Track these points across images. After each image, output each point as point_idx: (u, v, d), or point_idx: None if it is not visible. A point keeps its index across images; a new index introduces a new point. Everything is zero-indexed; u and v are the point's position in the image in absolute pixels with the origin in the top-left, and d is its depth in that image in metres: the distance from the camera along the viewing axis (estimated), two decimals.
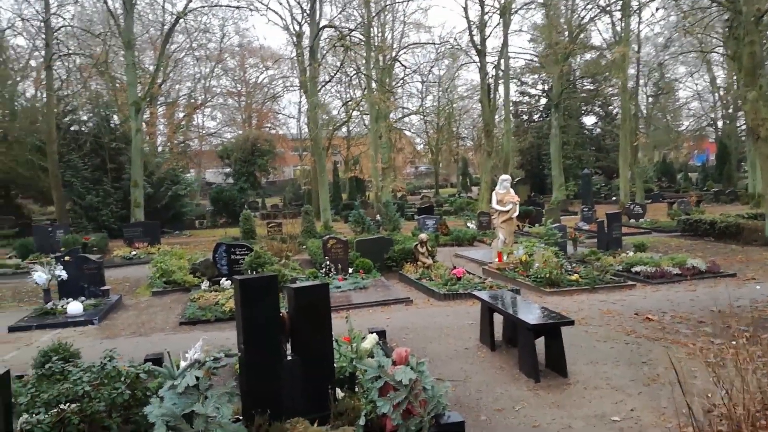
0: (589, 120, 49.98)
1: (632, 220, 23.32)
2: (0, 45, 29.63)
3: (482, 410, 5.37)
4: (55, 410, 4.17)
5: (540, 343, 6.41)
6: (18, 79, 33.72)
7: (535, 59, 42.11)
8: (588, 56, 41.82)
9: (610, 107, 47.92)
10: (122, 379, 4.28)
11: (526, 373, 6.21)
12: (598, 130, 49.20)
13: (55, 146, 26.80)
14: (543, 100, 48.59)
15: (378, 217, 23.78)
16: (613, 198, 37.58)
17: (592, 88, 46.50)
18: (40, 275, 10.27)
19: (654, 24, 46.12)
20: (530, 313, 6.72)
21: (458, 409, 5.20)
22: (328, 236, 13.93)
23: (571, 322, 6.44)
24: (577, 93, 45.22)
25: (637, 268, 11.98)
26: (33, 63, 33.53)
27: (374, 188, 32.45)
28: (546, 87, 46.47)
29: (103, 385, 4.17)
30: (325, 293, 4.99)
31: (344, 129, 44.51)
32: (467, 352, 7.14)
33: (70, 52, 26.79)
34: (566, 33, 34.81)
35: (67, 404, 4.14)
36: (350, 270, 12.87)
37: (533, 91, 49.87)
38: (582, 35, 35.54)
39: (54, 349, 5.12)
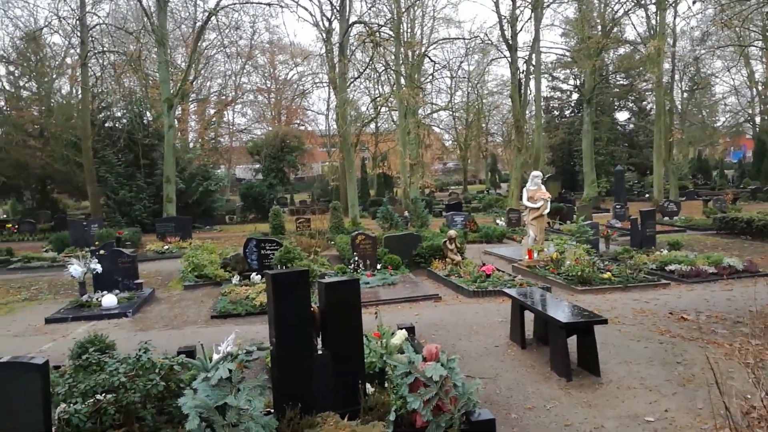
0: (622, 116, 49.13)
1: (666, 218, 22.85)
2: (37, 43, 30.36)
3: (513, 408, 5.32)
4: (92, 400, 4.26)
5: (572, 341, 6.32)
6: (54, 76, 34.56)
7: (567, 54, 41.51)
8: (621, 51, 41.06)
9: (644, 103, 47.00)
10: (157, 370, 4.35)
11: (558, 372, 6.13)
12: (632, 126, 48.31)
13: (90, 142, 27.40)
14: (575, 96, 47.90)
15: (406, 213, 23.75)
16: (646, 195, 36.88)
17: (625, 83, 45.64)
18: (75, 268, 10.50)
19: (690, 17, 45.00)
20: (562, 311, 6.63)
21: (488, 406, 5.16)
22: (356, 232, 13.95)
23: (605, 321, 6.34)
24: (609, 88, 44.44)
25: (672, 267, 11.73)
26: (69, 60, 34.33)
27: (402, 184, 32.42)
28: (578, 82, 45.80)
29: (139, 376, 4.25)
30: (356, 289, 5.00)
31: (372, 125, 44.54)
32: (497, 350, 7.08)
33: (105, 49, 27.31)
34: (599, 27, 34.22)
35: (104, 394, 4.23)
36: (378, 266, 12.88)
37: (565, 87, 49.22)
38: (615, 29, 34.90)
39: (90, 340, 5.23)
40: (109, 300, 9.94)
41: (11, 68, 32.81)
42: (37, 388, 3.80)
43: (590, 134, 35.16)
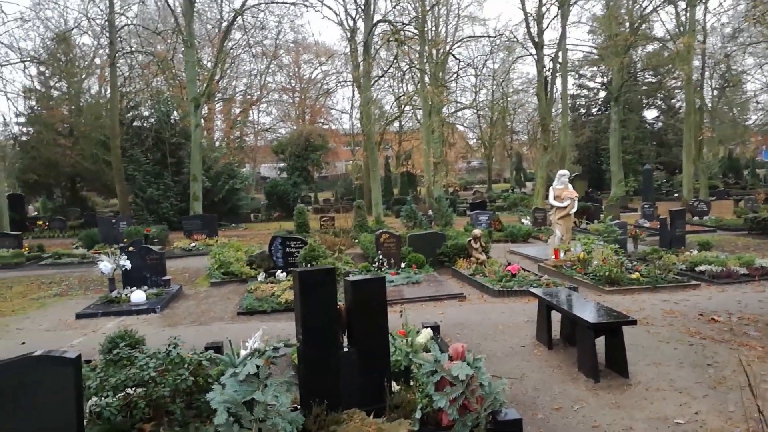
0: (650, 114, 48.33)
1: (696, 218, 22.43)
2: (67, 43, 30.96)
3: (539, 409, 5.27)
4: (122, 394, 4.33)
5: (599, 342, 6.24)
6: (83, 76, 35.22)
7: (594, 51, 40.98)
8: (650, 48, 40.36)
9: (673, 100, 46.16)
10: (186, 365, 4.40)
11: (585, 373, 6.06)
12: (660, 124, 47.49)
13: (119, 141, 27.88)
14: (602, 94, 47.27)
15: (430, 212, 23.69)
16: (675, 195, 36.24)
17: (654, 80, 44.87)
18: (105, 265, 10.69)
19: (721, 13, 43.94)
20: (590, 311, 6.54)
21: (515, 406, 5.12)
22: (380, 231, 13.96)
23: (634, 322, 6.24)
24: (638, 86, 43.74)
25: (702, 268, 11.51)
26: (98, 61, 34.96)
27: (426, 183, 32.34)
28: (605, 80, 45.18)
29: (168, 371, 4.30)
30: (382, 287, 5.00)
31: (396, 124, 44.53)
32: (523, 350, 7.02)
33: (133, 50, 27.75)
34: (627, 24, 33.69)
35: (134, 388, 4.30)
36: (402, 265, 12.87)
37: (592, 84, 48.61)
38: (644, 26, 34.31)
39: (120, 335, 5.32)
40: (138, 296, 10.10)
41: (42, 68, 33.53)
42: (70, 381, 3.87)
43: (618, 132, 34.65)
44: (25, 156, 33.54)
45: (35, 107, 34.47)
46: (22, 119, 33.96)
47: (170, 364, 4.33)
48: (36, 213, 36.27)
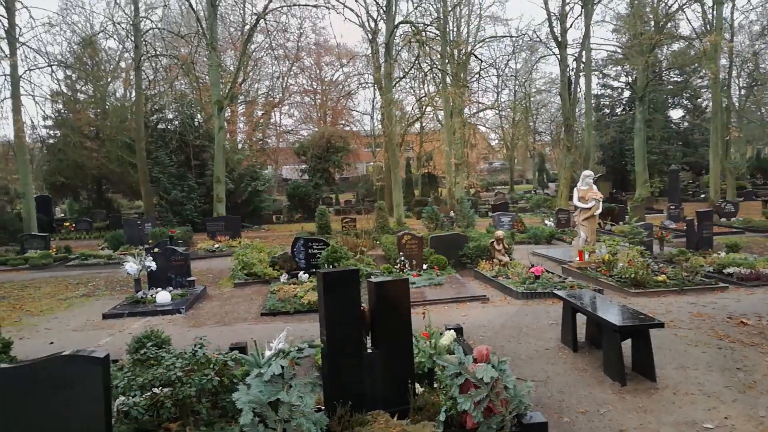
0: (676, 113, 47.54)
1: (723, 219, 22.01)
2: (93, 47, 31.46)
3: (565, 412, 5.21)
4: (149, 393, 4.38)
5: (626, 345, 6.15)
6: (109, 79, 35.77)
7: (619, 50, 40.45)
8: (675, 46, 39.72)
9: (699, 100, 45.37)
10: (211, 366, 4.43)
11: (612, 376, 5.97)
12: (686, 124, 46.70)
13: (144, 143, 28.26)
14: (626, 93, 46.62)
15: (451, 213, 23.60)
16: (702, 195, 35.62)
17: (679, 80, 44.15)
18: (131, 266, 10.83)
19: (749, 11, 43.16)
20: (616, 313, 6.45)
21: (540, 410, 5.07)
22: (402, 232, 13.94)
23: (661, 324, 6.14)
24: (663, 85, 43.06)
25: (730, 270, 11.28)
26: (123, 64, 35.47)
27: (447, 184, 32.23)
28: (630, 79, 44.55)
29: (194, 371, 4.34)
30: (405, 288, 4.99)
31: (417, 125, 44.44)
32: (548, 353, 6.95)
33: (157, 53, 28.10)
34: (652, 22, 33.21)
35: (161, 388, 4.34)
36: (424, 266, 12.84)
37: (616, 84, 47.97)
38: (669, 24, 33.79)
39: (147, 335, 5.38)
40: (163, 296, 10.22)
41: (69, 72, 34.15)
42: (98, 380, 3.92)
43: (643, 132, 34.16)
44: (53, 159, 34.20)
45: (62, 110, 35.11)
46: (49, 122, 34.62)
47: (196, 364, 4.37)
48: (63, 215, 36.95)
